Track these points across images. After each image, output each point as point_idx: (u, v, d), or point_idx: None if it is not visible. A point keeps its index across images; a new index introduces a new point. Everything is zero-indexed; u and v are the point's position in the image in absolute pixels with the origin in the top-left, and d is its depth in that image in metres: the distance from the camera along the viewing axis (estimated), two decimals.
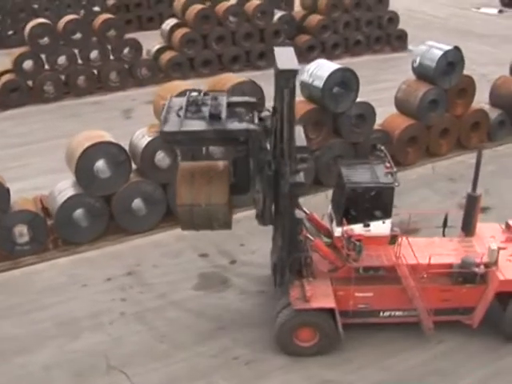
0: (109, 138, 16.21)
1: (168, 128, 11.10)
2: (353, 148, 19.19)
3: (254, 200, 12.24)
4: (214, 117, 11.13)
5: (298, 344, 12.46)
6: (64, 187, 16.22)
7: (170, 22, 30.09)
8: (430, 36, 36.27)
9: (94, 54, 27.26)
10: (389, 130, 20.10)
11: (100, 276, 15.02)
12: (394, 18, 33.78)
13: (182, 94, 13.21)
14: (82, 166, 15.58)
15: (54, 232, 16.11)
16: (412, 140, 20.55)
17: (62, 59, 26.53)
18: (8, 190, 15.23)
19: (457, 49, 20.23)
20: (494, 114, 22.46)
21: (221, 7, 29.63)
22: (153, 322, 13.47)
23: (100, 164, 15.82)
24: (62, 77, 26.86)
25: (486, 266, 12.56)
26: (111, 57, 27.80)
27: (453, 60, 20.14)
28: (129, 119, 24.55)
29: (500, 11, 46.62)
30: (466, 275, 12.61)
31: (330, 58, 28.97)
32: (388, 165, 13.00)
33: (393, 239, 12.92)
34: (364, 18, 33.08)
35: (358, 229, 12.57)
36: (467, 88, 21.20)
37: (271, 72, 11.76)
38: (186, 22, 29.36)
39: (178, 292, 14.40)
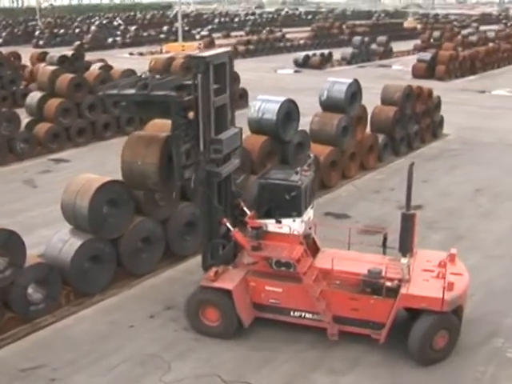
0: (106, 178, 15.69)
1: (108, 92, 13.95)
2: None
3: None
4: (145, 86, 13.31)
5: (203, 322, 13.29)
6: (66, 237, 15.14)
7: (34, 96, 29.03)
8: (257, 93, 40.02)
9: None
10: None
11: (140, 316, 14.26)
12: (236, 79, 36.67)
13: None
14: (94, 209, 14.86)
15: (65, 286, 14.89)
16: (332, 164, 22.94)
17: None
18: (24, 243, 13.87)
19: (356, 81, 23.44)
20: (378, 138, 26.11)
21: (90, 75, 29.66)
22: (233, 340, 13.29)
23: (108, 205, 15.29)
24: None
25: (400, 281, 12.57)
26: None
27: (355, 90, 23.26)
28: (36, 188, 23.18)
29: (296, 71, 55.39)
30: (374, 286, 12.59)
31: None
32: (306, 168, 13.78)
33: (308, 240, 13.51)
34: None
35: (270, 224, 13.11)
36: (363, 115, 24.50)
37: None
38: (55, 92, 28.68)
39: None
